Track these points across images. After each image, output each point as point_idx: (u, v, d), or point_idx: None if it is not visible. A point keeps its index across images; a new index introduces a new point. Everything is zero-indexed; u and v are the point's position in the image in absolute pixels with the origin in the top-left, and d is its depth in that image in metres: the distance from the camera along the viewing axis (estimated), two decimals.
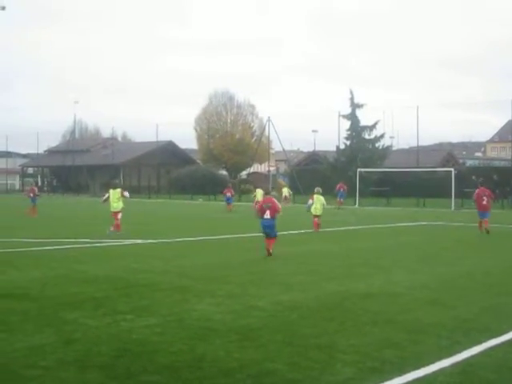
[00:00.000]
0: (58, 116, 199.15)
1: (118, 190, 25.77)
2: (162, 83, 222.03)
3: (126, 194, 26.14)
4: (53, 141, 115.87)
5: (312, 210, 26.96)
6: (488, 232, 25.84)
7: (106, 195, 26.14)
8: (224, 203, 48.14)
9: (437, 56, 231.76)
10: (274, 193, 25.23)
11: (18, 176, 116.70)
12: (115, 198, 25.39)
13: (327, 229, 27.76)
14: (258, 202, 46.47)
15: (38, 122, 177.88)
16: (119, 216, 25.03)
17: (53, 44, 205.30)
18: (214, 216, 40.28)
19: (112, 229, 24.37)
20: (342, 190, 51.21)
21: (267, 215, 18.67)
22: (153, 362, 7.31)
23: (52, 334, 8.52)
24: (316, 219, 27.05)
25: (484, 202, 26.73)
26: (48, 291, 11.89)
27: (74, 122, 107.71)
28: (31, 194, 41.69)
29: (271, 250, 18.15)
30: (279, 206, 19.34)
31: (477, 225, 26.92)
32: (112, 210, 25.30)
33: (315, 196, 26.98)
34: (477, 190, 27.47)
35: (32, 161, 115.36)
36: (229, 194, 47.68)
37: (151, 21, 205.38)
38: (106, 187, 31.80)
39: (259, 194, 42.77)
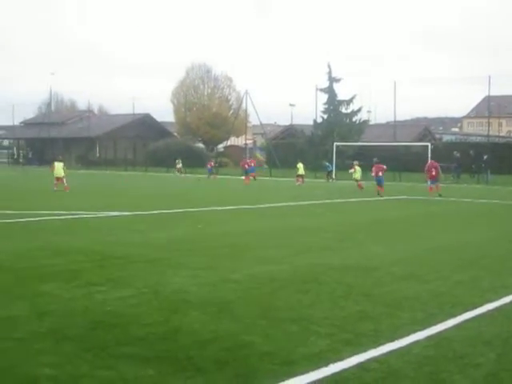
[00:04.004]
0: (34, 87, 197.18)
1: (62, 163, 35.94)
2: (140, 54, 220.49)
3: (64, 168, 36.00)
4: (28, 113, 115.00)
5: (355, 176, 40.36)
6: (440, 195, 33.18)
7: (54, 165, 36.07)
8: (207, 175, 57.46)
9: (416, 31, 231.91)
10: (375, 159, 37.13)
11: None
12: (60, 168, 35.40)
13: (302, 202, 27.95)
14: (299, 175, 47.98)
15: (14, 94, 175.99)
16: (65, 180, 34.85)
17: (30, 14, 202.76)
18: (190, 188, 40.19)
19: (55, 188, 33.83)
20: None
21: (380, 174, 34.84)
22: (127, 333, 7.27)
23: (25, 306, 8.43)
24: (360, 183, 39.44)
25: (433, 173, 35.15)
26: (22, 263, 11.79)
27: (50, 93, 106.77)
28: (209, 166, 58.43)
29: (382, 193, 33.73)
30: (384, 167, 35.80)
31: (452, 199, 31.18)
32: (57, 175, 35.18)
33: (356, 167, 40.58)
34: (428, 163, 37.40)
35: (7, 133, 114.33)
36: (209, 166, 59.09)
37: None
38: (80, 160, 41.95)
39: (301, 168, 49.28)
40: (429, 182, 35.77)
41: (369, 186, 38.50)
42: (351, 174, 41.24)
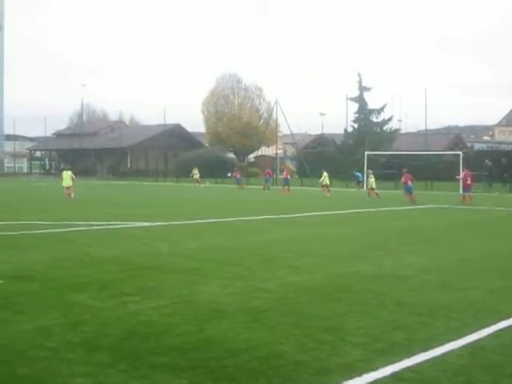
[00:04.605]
0: (66, 99, 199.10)
1: (69, 172, 37.79)
2: (171, 64, 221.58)
3: (73, 176, 38.20)
4: (60, 124, 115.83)
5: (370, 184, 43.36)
6: (471, 204, 33.52)
7: (62, 175, 37.92)
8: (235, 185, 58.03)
9: (447, 38, 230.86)
10: (405, 169, 39.10)
11: (25, 159, 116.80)
12: (68, 177, 37.29)
13: (332, 212, 27.90)
14: (325, 185, 47.07)
15: (46, 106, 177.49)
16: (72, 189, 36.71)
17: (60, 27, 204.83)
18: (220, 199, 40.26)
19: (72, 196, 35.83)
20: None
21: (409, 183, 36.49)
22: (160, 343, 7.28)
23: (59, 316, 8.48)
24: (369, 191, 42.86)
25: (468, 182, 36.41)
26: (55, 273, 11.86)
27: (82, 105, 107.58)
28: (238, 176, 59.02)
29: (412, 199, 35.10)
30: (411, 177, 37.07)
31: (484, 208, 30.85)
32: (65, 185, 37.18)
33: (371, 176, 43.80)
34: (464, 173, 38.00)
35: (40, 144, 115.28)
36: (238, 176, 59.53)
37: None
38: (112, 170, 47.57)
39: (326, 177, 47.65)
40: (461, 191, 38.08)
41: (396, 195, 38.38)
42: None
